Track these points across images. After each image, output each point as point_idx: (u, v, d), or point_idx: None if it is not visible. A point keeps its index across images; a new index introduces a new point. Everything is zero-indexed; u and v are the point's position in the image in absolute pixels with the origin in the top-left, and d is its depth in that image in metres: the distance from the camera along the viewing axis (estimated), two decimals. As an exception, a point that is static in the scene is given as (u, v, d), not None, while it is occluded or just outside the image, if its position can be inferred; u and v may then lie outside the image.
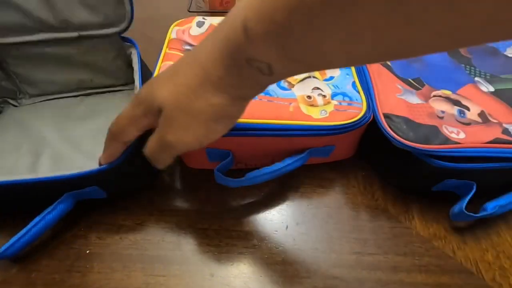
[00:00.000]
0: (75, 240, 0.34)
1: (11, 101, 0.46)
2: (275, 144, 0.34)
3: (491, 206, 0.32)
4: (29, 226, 0.29)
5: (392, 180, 0.38)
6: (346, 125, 0.33)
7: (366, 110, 0.34)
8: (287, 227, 0.35)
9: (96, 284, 0.31)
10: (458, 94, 0.36)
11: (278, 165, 0.33)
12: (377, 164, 0.39)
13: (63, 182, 0.30)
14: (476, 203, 0.32)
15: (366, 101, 0.35)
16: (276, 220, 0.36)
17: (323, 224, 0.35)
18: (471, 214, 0.31)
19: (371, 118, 0.34)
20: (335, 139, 0.34)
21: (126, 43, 0.42)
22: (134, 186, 0.37)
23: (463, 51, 0.41)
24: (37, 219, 0.30)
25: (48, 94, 0.46)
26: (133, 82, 0.42)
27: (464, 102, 0.35)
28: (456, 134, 0.32)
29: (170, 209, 0.36)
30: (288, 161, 0.33)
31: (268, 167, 0.33)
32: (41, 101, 0.46)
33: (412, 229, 0.35)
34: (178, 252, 0.33)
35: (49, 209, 0.30)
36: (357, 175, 0.39)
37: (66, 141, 0.40)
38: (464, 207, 0.31)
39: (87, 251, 0.33)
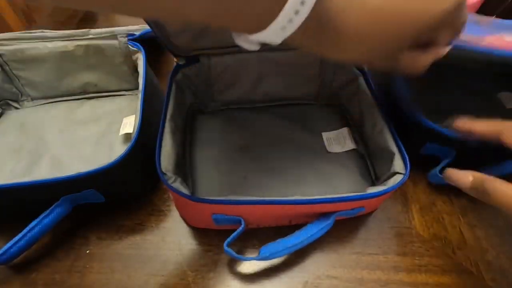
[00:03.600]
0: (75, 240, 0.34)
1: (12, 104, 0.46)
2: (295, 210, 0.29)
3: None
4: (24, 231, 0.29)
5: None
6: (380, 192, 0.28)
7: (405, 172, 0.30)
8: (287, 227, 0.35)
9: (96, 284, 0.31)
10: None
11: (300, 236, 0.28)
12: None
13: (58, 185, 0.29)
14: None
15: (402, 155, 0.31)
16: (276, 221, 0.36)
17: (323, 224, 0.35)
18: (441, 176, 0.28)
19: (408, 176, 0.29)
20: (365, 202, 0.30)
21: (133, 48, 0.42)
22: (134, 191, 0.37)
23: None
24: (33, 223, 0.29)
25: (51, 97, 0.46)
26: (137, 87, 0.42)
27: None
28: None
29: (170, 209, 0.36)
30: (312, 229, 0.28)
31: (287, 239, 0.28)
32: (43, 104, 0.46)
33: (412, 229, 0.35)
34: (178, 252, 0.33)
35: (45, 213, 0.30)
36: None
37: (67, 144, 0.40)
38: (438, 170, 0.33)
39: (87, 251, 0.33)
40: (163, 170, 0.29)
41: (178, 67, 0.38)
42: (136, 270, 0.32)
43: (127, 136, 0.39)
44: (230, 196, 0.28)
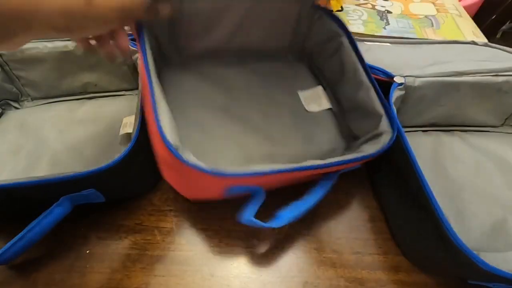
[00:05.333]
0: (75, 240, 0.34)
1: (13, 103, 0.46)
2: (310, 173, 0.30)
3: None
4: (24, 231, 0.28)
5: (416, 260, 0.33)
6: (379, 151, 0.30)
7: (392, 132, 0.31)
8: (287, 227, 0.35)
9: (96, 284, 0.31)
10: None
11: (311, 200, 0.30)
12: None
13: (58, 184, 0.29)
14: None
15: (388, 117, 0.32)
16: (276, 221, 0.36)
17: (323, 224, 0.35)
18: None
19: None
20: (365, 160, 0.31)
21: (133, 48, 0.41)
22: (134, 190, 0.37)
23: None
24: (32, 224, 0.29)
25: (51, 97, 0.46)
26: (137, 87, 0.42)
27: None
28: None
29: (170, 209, 0.36)
30: (320, 191, 0.30)
31: (300, 202, 0.30)
32: (43, 104, 0.46)
33: (412, 229, 0.35)
34: (178, 252, 0.33)
35: (45, 213, 0.29)
36: (357, 175, 0.39)
37: (66, 145, 0.40)
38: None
39: (87, 251, 0.33)
40: (172, 143, 0.24)
41: None
42: (136, 270, 0.32)
43: (127, 136, 0.39)
44: (250, 167, 0.26)
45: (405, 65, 0.39)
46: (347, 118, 0.39)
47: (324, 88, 0.41)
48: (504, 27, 0.75)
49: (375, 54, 0.42)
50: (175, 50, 0.38)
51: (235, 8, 0.37)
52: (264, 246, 0.34)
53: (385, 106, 0.33)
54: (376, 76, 0.38)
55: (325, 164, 0.28)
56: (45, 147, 0.40)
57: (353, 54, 0.36)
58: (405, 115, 0.40)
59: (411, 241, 0.33)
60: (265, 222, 0.28)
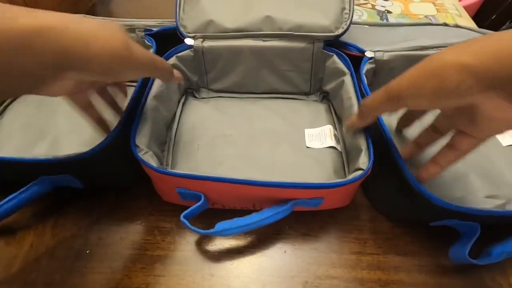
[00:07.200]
0: (75, 240, 0.34)
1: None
2: (254, 192, 0.30)
3: (498, 252, 0.28)
4: (1, 203, 0.31)
5: (384, 209, 0.36)
6: (337, 183, 0.28)
7: (366, 168, 0.29)
8: (287, 227, 0.35)
9: (96, 284, 0.31)
10: None
11: (255, 217, 0.29)
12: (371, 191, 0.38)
13: (34, 165, 0.31)
14: (478, 244, 0.28)
15: (368, 152, 0.31)
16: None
17: (323, 224, 0.35)
18: (473, 261, 0.28)
19: (369, 172, 0.29)
20: (323, 192, 0.30)
21: (148, 42, 0.42)
22: (113, 181, 0.37)
23: None
24: (10, 196, 0.31)
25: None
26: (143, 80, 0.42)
27: None
28: None
29: (170, 209, 0.36)
30: (268, 212, 0.29)
31: (242, 218, 0.29)
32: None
33: (412, 228, 0.35)
34: (178, 252, 0.33)
35: (23, 189, 0.31)
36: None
37: (71, 127, 0.40)
38: (467, 252, 0.28)
39: (87, 251, 0.33)
40: (137, 143, 0.30)
41: (172, 52, 0.39)
42: (136, 270, 0.32)
43: None
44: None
45: (378, 43, 0.41)
46: (348, 158, 0.37)
47: (336, 128, 0.41)
48: (504, 27, 0.75)
49: (352, 34, 0.42)
50: (204, 87, 0.45)
51: (248, 52, 0.41)
52: (264, 246, 0.34)
53: (367, 142, 0.32)
54: (349, 52, 0.41)
55: (262, 182, 0.28)
56: (52, 127, 0.40)
57: (351, 91, 0.36)
58: (377, 88, 0.40)
59: (381, 194, 0.35)
60: (202, 229, 0.30)
